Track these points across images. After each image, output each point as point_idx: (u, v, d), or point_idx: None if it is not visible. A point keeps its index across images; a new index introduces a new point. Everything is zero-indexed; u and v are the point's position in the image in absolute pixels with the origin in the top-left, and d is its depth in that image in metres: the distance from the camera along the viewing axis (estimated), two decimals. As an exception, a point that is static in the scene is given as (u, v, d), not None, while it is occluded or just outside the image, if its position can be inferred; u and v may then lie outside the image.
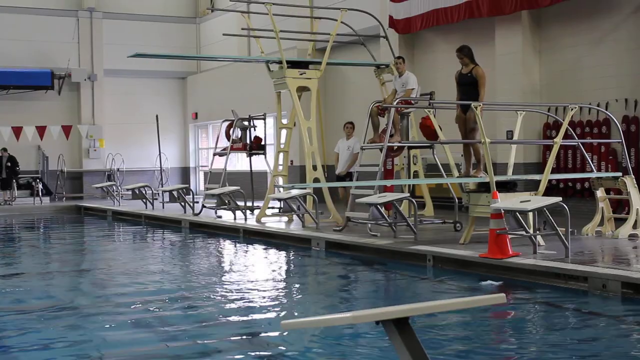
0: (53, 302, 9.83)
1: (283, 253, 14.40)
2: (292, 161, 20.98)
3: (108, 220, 23.03)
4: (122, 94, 31.27)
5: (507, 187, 12.22)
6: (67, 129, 29.06)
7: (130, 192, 23.89)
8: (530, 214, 11.00)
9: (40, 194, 27.42)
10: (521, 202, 10.93)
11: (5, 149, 27.61)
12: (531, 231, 11.00)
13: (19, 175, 27.89)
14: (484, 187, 11.96)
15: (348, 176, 16.58)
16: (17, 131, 27.83)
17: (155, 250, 16.43)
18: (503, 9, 17.30)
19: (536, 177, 13.41)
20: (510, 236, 10.78)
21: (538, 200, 11.02)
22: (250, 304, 9.48)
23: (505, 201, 11.09)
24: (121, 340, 7.61)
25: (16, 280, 12.12)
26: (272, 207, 18.34)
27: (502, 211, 10.74)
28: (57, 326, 8.28)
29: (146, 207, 22.74)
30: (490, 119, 16.01)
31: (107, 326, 8.26)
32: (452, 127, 16.07)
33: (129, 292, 10.37)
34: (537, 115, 16.54)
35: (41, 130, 28.18)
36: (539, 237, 11.32)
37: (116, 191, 26.37)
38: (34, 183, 27.72)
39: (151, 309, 9.17)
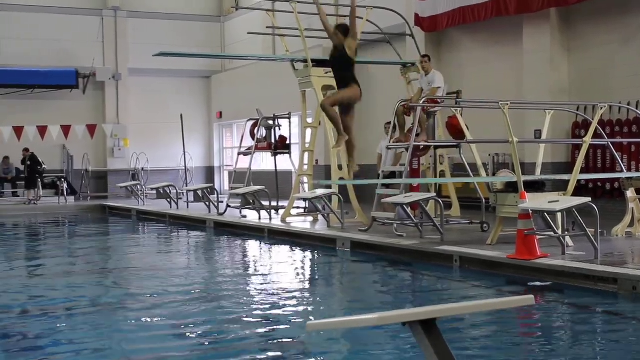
0: (78, 300, 9.89)
1: (308, 253, 14.40)
2: (317, 160, 20.95)
3: (133, 220, 23.15)
4: (146, 93, 31.41)
5: (535, 187, 12.13)
6: (91, 128, 29.22)
7: (154, 192, 24.00)
8: (559, 214, 10.94)
9: (65, 193, 27.60)
10: (550, 202, 10.86)
11: (26, 149, 27.85)
12: (560, 232, 10.93)
13: (44, 175, 28.11)
14: (511, 187, 11.90)
15: (391, 175, 16.40)
16: (42, 130, 28.02)
17: (180, 250, 16.50)
18: (531, 7, 17.20)
19: (565, 177, 13.32)
20: (538, 237, 10.72)
21: (567, 201, 10.96)
22: (275, 305, 9.49)
23: (534, 201, 11.02)
24: (145, 338, 7.66)
25: (42, 279, 12.23)
26: (297, 207, 18.36)
27: (530, 211, 10.68)
28: (81, 324, 8.34)
29: (171, 207, 22.82)
30: (519, 118, 15.92)
31: (131, 324, 8.31)
32: (479, 126, 16.02)
33: (154, 290, 10.42)
34: (565, 114, 16.42)
35: (66, 129, 28.36)
36: (567, 238, 11.25)
37: (141, 191, 26.49)
38: (58, 182, 27.90)
39: (176, 307, 9.21)
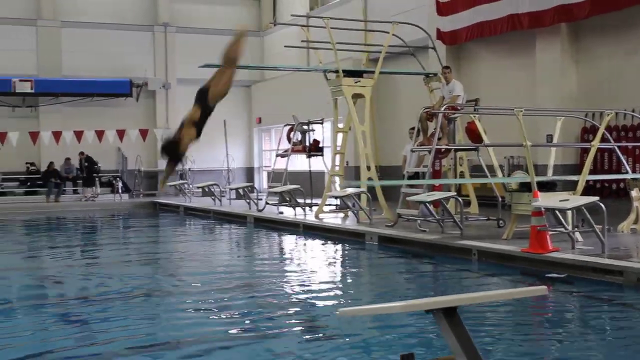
0: (130, 288, 9.96)
1: (339, 246, 14.39)
2: (347, 162, 20.93)
3: (180, 215, 23.27)
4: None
5: (547, 187, 12.03)
6: (144, 132, 29.41)
7: (200, 190, 24.09)
8: (569, 212, 10.86)
9: (120, 191, 27.85)
10: (560, 201, 10.78)
11: (82, 153, 28.15)
12: (570, 228, 10.86)
13: (100, 174, 28.39)
14: (525, 187, 11.82)
15: (415, 176, 16.33)
16: (100, 134, 28.28)
17: (223, 243, 16.57)
18: (543, 22, 17.07)
19: (574, 178, 13.19)
20: (550, 232, 10.64)
21: (576, 200, 10.87)
22: (309, 292, 9.51)
23: (546, 200, 10.94)
24: (190, 324, 7.68)
25: (99, 268, 12.34)
26: (330, 204, 18.36)
27: (543, 209, 10.61)
28: (133, 309, 8.39)
29: (214, 204, 22.90)
30: (532, 124, 15.78)
31: (178, 310, 8.35)
32: (495, 131, 15.93)
33: (198, 279, 10.47)
34: (575, 120, 16.24)
35: (121, 133, 28.58)
36: (577, 234, 11.16)
37: (188, 189, 26.60)
38: (114, 181, 28.15)
39: (217, 295, 9.25)
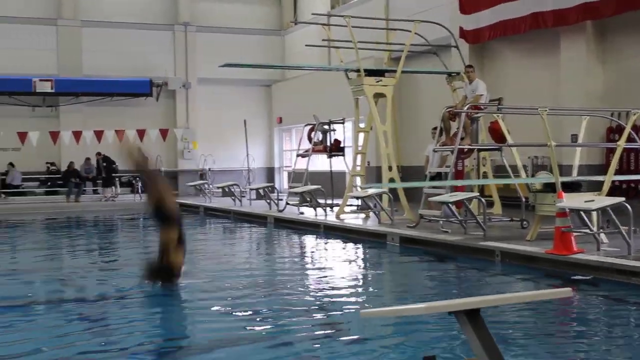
0: (149, 287, 10.00)
1: (360, 247, 14.39)
2: (368, 162, 20.92)
3: (200, 216, 23.36)
4: (213, 100, 31.67)
5: (572, 187, 11.97)
6: (164, 132, 29.61)
7: (220, 190, 24.18)
8: (594, 213, 10.80)
9: (140, 191, 27.99)
10: (585, 201, 10.72)
11: (99, 153, 28.36)
12: (595, 229, 10.79)
13: (120, 174, 28.58)
14: (549, 188, 11.76)
15: (438, 176, 16.31)
16: (120, 134, 28.47)
17: (243, 243, 16.61)
18: (567, 20, 16.98)
19: (600, 178, 13.10)
20: (574, 234, 10.59)
21: (601, 200, 10.80)
22: (330, 294, 9.51)
23: (570, 201, 10.88)
24: (208, 324, 7.70)
25: (117, 267, 12.41)
26: (351, 205, 18.37)
27: (567, 210, 10.55)
28: (150, 310, 8.44)
29: (235, 204, 22.98)
30: (556, 123, 15.70)
31: (197, 309, 8.38)
32: (519, 130, 15.87)
33: (218, 279, 10.48)
34: (600, 119, 16.14)
35: (141, 133, 28.78)
36: (602, 235, 11.10)
37: (208, 189, 26.71)
38: (134, 181, 28.32)
39: (237, 295, 9.26)
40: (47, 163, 29.62)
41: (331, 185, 20.07)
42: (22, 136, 27.59)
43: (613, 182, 13.43)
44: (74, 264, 13.15)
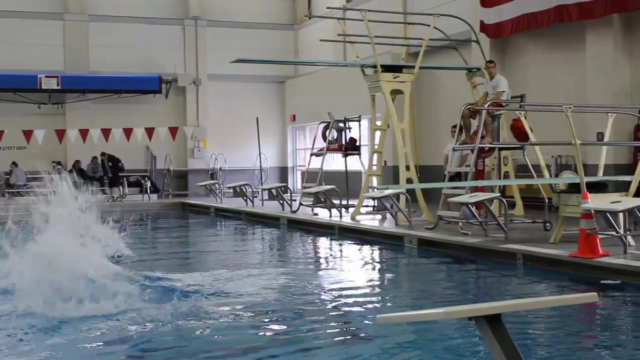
0: (161, 290, 10.00)
1: (376, 250, 14.38)
2: (385, 161, 20.91)
3: (211, 217, 23.42)
4: (224, 97, 31.73)
5: (597, 187, 11.93)
6: (173, 131, 29.71)
7: (231, 190, 24.22)
8: (621, 214, 10.73)
9: (148, 191, 28.11)
10: (612, 202, 10.68)
11: (103, 153, 28.48)
12: (621, 231, 10.73)
13: (128, 174, 28.68)
14: (574, 188, 11.71)
15: (457, 176, 16.26)
16: (128, 132, 28.62)
17: (255, 245, 16.64)
18: (593, 13, 16.89)
19: (627, 178, 13.03)
20: (600, 236, 10.53)
21: (629, 201, 10.75)
22: (345, 297, 9.51)
23: (596, 202, 10.83)
24: (222, 328, 7.70)
25: (130, 268, 12.42)
26: (366, 206, 18.35)
27: (593, 211, 10.50)
28: (162, 312, 8.43)
29: (246, 204, 23.01)
30: (581, 121, 15.64)
31: (209, 315, 8.38)
32: (542, 128, 15.80)
33: (231, 282, 10.49)
34: (627, 117, 16.06)
35: (150, 131, 28.90)
36: (629, 237, 11.03)
37: (218, 189, 26.76)
38: (142, 181, 28.43)
39: (250, 299, 9.26)
40: (52, 162, 29.77)
41: (346, 186, 20.06)
42: (28, 134, 27.74)
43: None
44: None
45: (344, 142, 19.90)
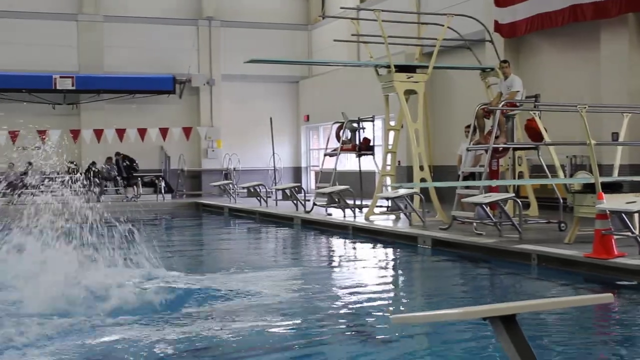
0: (175, 290, 10.04)
1: (390, 250, 14.38)
2: (399, 161, 20.90)
3: (224, 216, 23.47)
4: (238, 97, 31.79)
5: (612, 188, 11.89)
6: (187, 131, 29.78)
7: (245, 190, 24.28)
8: (636, 214, 10.70)
9: (162, 191, 28.20)
10: (627, 203, 10.64)
11: (118, 153, 28.59)
12: (637, 232, 10.69)
13: (142, 174, 28.77)
14: (589, 188, 11.68)
15: (471, 176, 16.23)
16: (142, 132, 28.73)
17: (269, 245, 16.67)
18: (608, 12, 16.82)
19: (642, 178, 13.02)
20: (615, 237, 10.50)
21: (644, 202, 10.71)
22: (360, 299, 9.52)
23: (611, 202, 10.80)
24: (235, 328, 7.72)
25: (140, 270, 12.46)
26: (380, 206, 18.35)
27: (608, 212, 10.47)
28: (176, 312, 8.46)
29: (260, 205, 23.05)
30: (596, 121, 15.59)
31: (223, 314, 8.41)
32: (557, 128, 15.76)
33: (244, 282, 10.51)
34: (643, 117, 16.03)
35: (164, 131, 28.99)
36: (644, 238, 10.99)
37: (232, 189, 26.81)
38: (157, 181, 28.53)
39: (264, 299, 9.28)
40: (68, 162, 29.88)
41: (360, 186, 20.07)
42: (43, 135, 27.86)
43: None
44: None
45: (357, 142, 19.91)
